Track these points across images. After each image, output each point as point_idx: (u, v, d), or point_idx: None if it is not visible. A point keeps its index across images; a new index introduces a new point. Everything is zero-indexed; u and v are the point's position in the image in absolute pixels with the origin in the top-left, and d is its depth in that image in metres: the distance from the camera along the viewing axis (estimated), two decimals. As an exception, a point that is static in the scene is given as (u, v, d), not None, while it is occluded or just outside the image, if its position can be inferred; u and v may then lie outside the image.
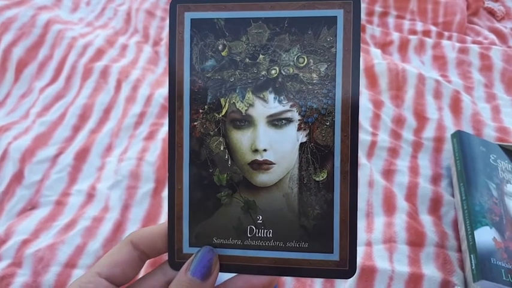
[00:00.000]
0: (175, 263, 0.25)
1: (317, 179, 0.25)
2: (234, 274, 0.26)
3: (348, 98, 0.24)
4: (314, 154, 0.25)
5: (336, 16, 0.24)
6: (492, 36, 0.78)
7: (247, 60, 0.25)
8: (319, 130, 0.24)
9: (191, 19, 0.25)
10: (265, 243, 0.25)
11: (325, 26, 0.24)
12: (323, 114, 0.24)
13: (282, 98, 0.25)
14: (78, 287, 0.24)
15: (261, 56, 0.25)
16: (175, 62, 0.25)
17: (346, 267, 0.25)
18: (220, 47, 0.25)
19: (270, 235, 0.25)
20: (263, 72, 0.25)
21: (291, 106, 0.25)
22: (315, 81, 0.24)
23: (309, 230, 0.25)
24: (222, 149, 0.25)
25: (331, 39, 0.24)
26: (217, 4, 0.25)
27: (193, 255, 0.25)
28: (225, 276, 0.25)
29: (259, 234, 0.25)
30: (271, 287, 0.25)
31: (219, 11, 0.25)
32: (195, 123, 0.25)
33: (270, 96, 0.25)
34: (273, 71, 0.25)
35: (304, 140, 0.25)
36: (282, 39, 0.24)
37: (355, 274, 0.43)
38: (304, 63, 0.24)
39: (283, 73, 0.24)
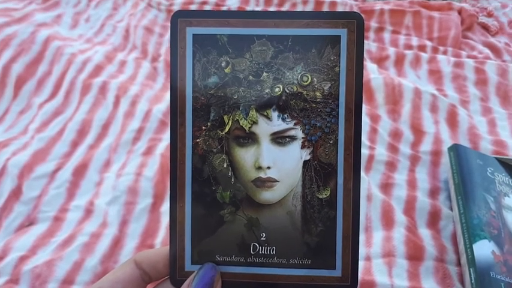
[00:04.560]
0: (177, 280, 0.25)
1: (320, 196, 0.25)
2: None
3: (351, 117, 0.25)
4: (317, 172, 0.25)
5: (340, 35, 0.24)
6: (486, 51, 0.79)
7: (250, 77, 0.25)
8: (323, 148, 0.25)
9: (193, 34, 0.25)
10: (268, 260, 0.25)
11: (328, 45, 0.24)
12: (326, 132, 0.25)
13: (285, 115, 0.25)
14: None
15: (264, 74, 0.25)
16: (177, 78, 0.25)
17: (348, 283, 0.25)
18: (223, 64, 0.25)
19: (274, 252, 0.25)
20: (267, 90, 0.25)
21: (295, 124, 0.25)
22: (318, 100, 0.25)
23: (312, 247, 0.25)
24: (225, 166, 0.25)
25: (334, 58, 0.24)
26: (220, 20, 0.24)
27: (195, 272, 0.25)
28: None
29: (263, 252, 0.25)
30: None
31: (222, 27, 0.24)
32: (198, 140, 0.25)
33: (274, 114, 0.25)
34: (277, 89, 0.25)
35: (308, 157, 0.25)
36: (286, 57, 0.25)
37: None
38: (308, 82, 0.25)
39: (287, 91, 0.25)
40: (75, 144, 0.59)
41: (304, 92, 0.25)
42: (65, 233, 0.48)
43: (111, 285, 0.25)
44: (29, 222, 0.50)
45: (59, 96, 0.65)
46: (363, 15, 0.24)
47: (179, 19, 0.25)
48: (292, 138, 0.25)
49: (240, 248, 0.25)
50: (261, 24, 0.24)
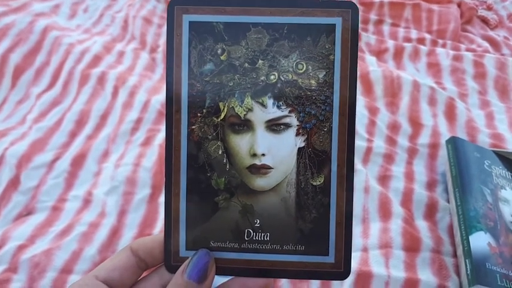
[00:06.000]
0: (172, 266, 0.26)
1: (314, 183, 0.25)
2: (230, 277, 0.26)
3: (346, 105, 0.25)
4: (312, 159, 0.25)
5: (335, 24, 0.24)
6: (485, 44, 0.79)
7: (246, 65, 0.25)
8: (317, 135, 0.25)
9: (189, 22, 0.25)
10: (262, 246, 0.25)
11: (323, 33, 0.25)
12: (321, 120, 0.25)
13: (280, 103, 0.25)
14: None
15: (260, 61, 0.25)
16: (173, 65, 0.25)
17: (341, 269, 0.25)
18: (219, 51, 0.25)
19: (267, 238, 0.25)
20: (262, 78, 0.25)
21: (290, 112, 0.25)
22: (313, 88, 0.25)
23: (305, 233, 0.25)
24: (220, 153, 0.25)
25: (329, 46, 0.25)
26: (217, 7, 0.25)
27: (190, 258, 0.25)
28: (221, 279, 0.26)
29: (257, 238, 0.25)
30: None
31: (219, 15, 0.25)
32: (193, 127, 0.25)
33: (269, 102, 0.25)
34: (272, 77, 0.25)
35: (302, 145, 0.25)
36: (282, 45, 0.25)
37: (352, 279, 0.43)
38: (303, 70, 0.25)
39: (282, 79, 0.25)
40: (73, 135, 0.58)
41: (299, 80, 0.25)
42: (63, 222, 0.49)
43: (108, 272, 0.25)
44: (27, 211, 0.50)
45: (57, 86, 0.65)
46: (357, 5, 0.25)
47: (176, 6, 0.25)
48: (287, 125, 0.25)
49: (234, 234, 0.25)
50: (257, 12, 0.25)
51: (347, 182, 0.25)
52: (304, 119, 0.25)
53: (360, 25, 0.83)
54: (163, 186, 0.52)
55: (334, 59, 0.25)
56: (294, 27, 0.25)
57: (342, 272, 0.25)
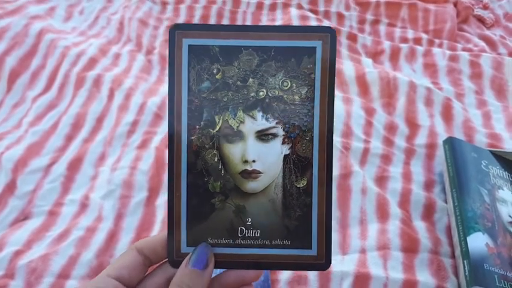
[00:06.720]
0: (175, 261, 0.28)
1: (298, 185, 0.29)
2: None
3: (325, 117, 0.28)
4: (296, 164, 0.29)
5: (316, 47, 0.28)
6: (482, 44, 0.79)
7: (238, 83, 0.28)
8: (300, 144, 0.29)
9: (189, 45, 0.28)
10: (253, 242, 0.29)
11: (306, 54, 0.28)
12: (304, 130, 0.28)
13: (268, 116, 0.28)
14: None
15: (250, 80, 0.28)
16: (174, 83, 0.28)
17: (322, 261, 0.29)
18: (215, 71, 0.28)
19: (258, 235, 0.29)
20: (252, 94, 0.28)
21: (276, 123, 0.28)
22: (297, 102, 0.28)
23: (291, 230, 0.29)
24: (216, 160, 0.29)
25: (311, 66, 0.28)
26: (213, 32, 0.28)
27: (192, 251, 0.28)
28: (218, 272, 0.29)
29: (249, 234, 0.29)
30: (258, 278, 0.29)
31: (214, 39, 0.28)
32: (192, 137, 0.28)
33: (259, 115, 0.28)
34: (261, 93, 0.28)
35: (288, 152, 0.29)
36: (269, 65, 0.28)
37: (350, 281, 0.43)
38: (288, 87, 0.28)
39: (270, 95, 0.28)
40: (69, 138, 0.58)
41: (285, 96, 0.28)
42: (60, 227, 0.48)
43: (118, 271, 0.27)
44: (24, 216, 0.50)
45: (53, 89, 0.65)
46: (334, 29, 0.28)
47: (176, 31, 0.28)
48: (274, 135, 0.28)
49: (229, 232, 0.29)
50: (247, 36, 0.28)
51: (327, 184, 0.29)
52: (289, 130, 0.28)
53: (357, 25, 0.83)
54: (161, 190, 0.52)
55: (314, 77, 0.28)
56: (280, 50, 0.28)
57: (323, 264, 0.29)
